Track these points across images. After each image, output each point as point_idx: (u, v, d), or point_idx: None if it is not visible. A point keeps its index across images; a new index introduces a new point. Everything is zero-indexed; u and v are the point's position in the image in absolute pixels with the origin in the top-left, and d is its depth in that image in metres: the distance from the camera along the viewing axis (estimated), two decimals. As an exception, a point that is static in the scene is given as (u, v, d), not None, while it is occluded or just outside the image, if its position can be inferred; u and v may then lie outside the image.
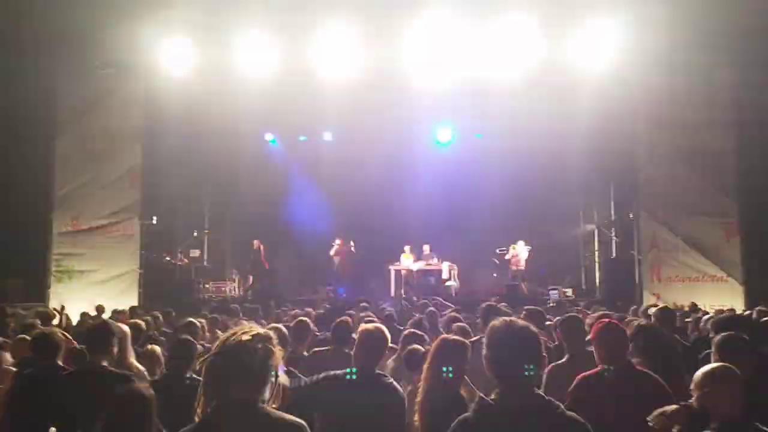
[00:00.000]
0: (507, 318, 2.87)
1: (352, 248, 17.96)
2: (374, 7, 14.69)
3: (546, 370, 4.38)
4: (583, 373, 3.89)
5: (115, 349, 4.59)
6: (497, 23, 14.22)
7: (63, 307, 11.40)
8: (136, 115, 15.24)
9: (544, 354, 2.81)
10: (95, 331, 4.72)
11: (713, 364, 3.38)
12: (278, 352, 2.47)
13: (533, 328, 2.77)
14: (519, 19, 14.06)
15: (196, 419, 2.42)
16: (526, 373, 2.64)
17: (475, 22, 14.80)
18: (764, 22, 13.52)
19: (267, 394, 2.41)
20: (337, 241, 18.13)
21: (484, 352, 2.76)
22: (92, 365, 4.42)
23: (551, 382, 4.26)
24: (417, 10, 14.63)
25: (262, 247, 18.25)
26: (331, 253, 18.11)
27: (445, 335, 4.26)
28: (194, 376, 4.52)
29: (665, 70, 14.43)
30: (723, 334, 4.11)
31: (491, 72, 15.21)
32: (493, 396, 2.67)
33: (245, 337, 2.41)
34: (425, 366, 3.92)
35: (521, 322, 2.83)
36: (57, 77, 15.22)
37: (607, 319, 4.28)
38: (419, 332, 5.85)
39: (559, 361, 4.73)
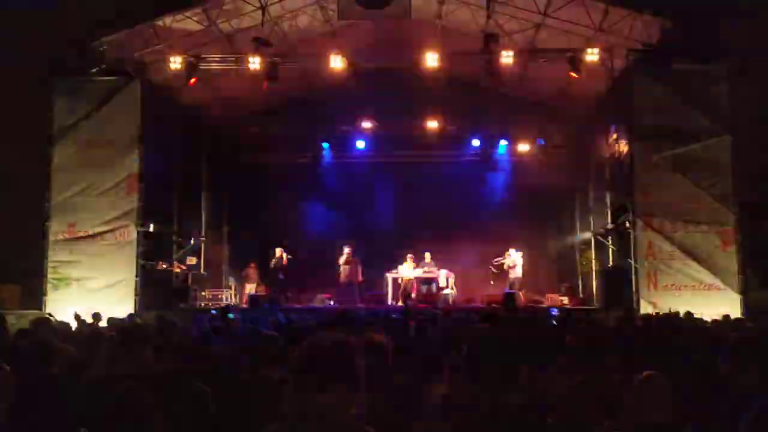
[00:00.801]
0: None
1: (358, 265, 17.98)
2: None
3: None
4: None
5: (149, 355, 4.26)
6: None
7: (77, 315, 11.39)
8: (133, 123, 15.21)
9: None
10: (130, 333, 4.40)
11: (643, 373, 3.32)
12: (360, 360, 2.49)
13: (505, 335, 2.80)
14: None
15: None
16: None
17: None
18: (758, 32, 13.63)
19: (350, 399, 2.42)
20: (347, 250, 18.08)
21: (466, 351, 2.77)
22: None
23: None
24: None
25: (284, 256, 18.23)
26: (341, 261, 18.05)
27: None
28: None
29: (662, 79, 14.51)
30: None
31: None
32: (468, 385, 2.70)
33: (337, 341, 2.45)
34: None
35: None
36: (52, 84, 15.21)
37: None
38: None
39: None
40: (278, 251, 18.36)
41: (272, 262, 18.39)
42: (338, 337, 2.50)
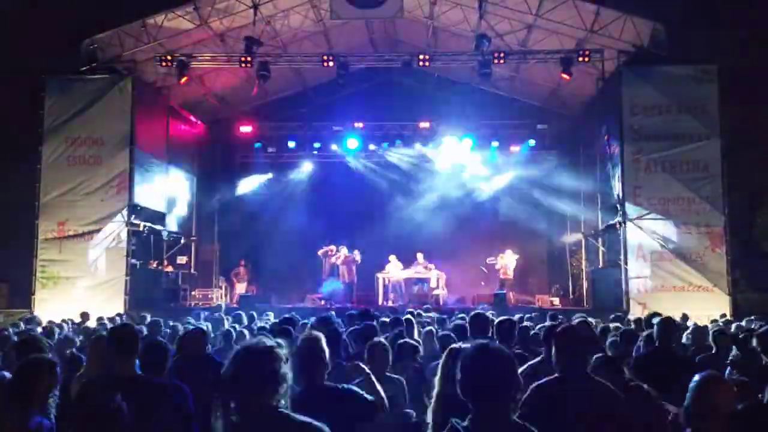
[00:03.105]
0: (480, 342, 2.84)
1: (357, 258, 17.97)
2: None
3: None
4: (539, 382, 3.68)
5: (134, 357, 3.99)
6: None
7: (86, 315, 11.39)
8: (124, 121, 15.15)
9: (520, 378, 2.71)
10: (123, 335, 4.05)
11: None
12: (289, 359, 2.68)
13: (507, 350, 2.73)
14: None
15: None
16: (501, 399, 2.60)
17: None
18: (747, 36, 13.73)
19: (285, 399, 2.60)
20: (343, 250, 18.06)
21: (457, 376, 2.68)
22: (122, 372, 3.82)
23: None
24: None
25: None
26: (339, 262, 18.02)
27: (454, 345, 4.20)
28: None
29: (652, 81, 14.58)
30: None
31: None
32: (466, 422, 2.60)
33: (262, 346, 2.62)
34: (437, 378, 3.84)
35: (494, 345, 2.79)
36: (44, 83, 15.13)
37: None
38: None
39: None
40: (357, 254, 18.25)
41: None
42: (266, 344, 2.64)
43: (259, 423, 2.53)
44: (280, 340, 2.72)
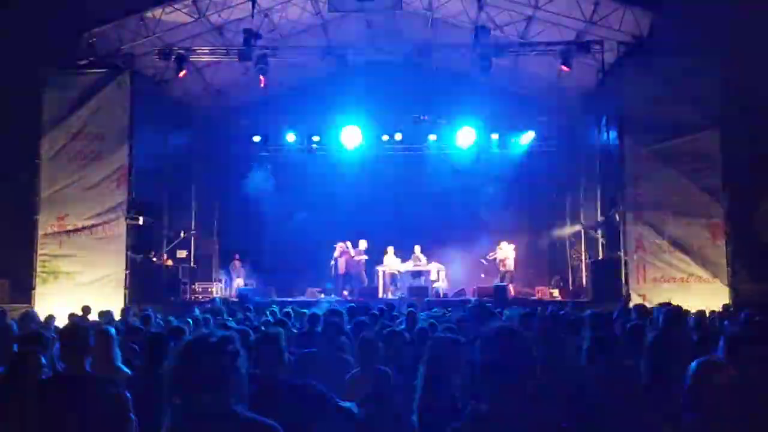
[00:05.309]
0: (501, 325, 2.83)
1: (350, 251, 17.98)
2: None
3: None
4: None
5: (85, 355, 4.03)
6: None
7: (88, 309, 11.36)
8: (123, 115, 15.13)
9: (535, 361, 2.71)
10: (69, 333, 4.21)
11: None
12: (242, 352, 2.43)
13: (526, 334, 2.73)
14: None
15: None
16: (521, 381, 2.60)
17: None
18: (748, 25, 13.67)
19: (237, 396, 2.37)
20: (341, 244, 18.07)
21: (478, 358, 2.69)
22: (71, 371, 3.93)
23: None
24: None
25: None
26: (336, 255, 18.03)
27: (437, 334, 4.20)
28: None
29: (652, 72, 14.54)
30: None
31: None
32: (485, 405, 2.61)
33: (211, 340, 2.39)
34: (422, 366, 3.81)
35: (516, 327, 2.78)
36: (42, 77, 15.09)
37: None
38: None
39: None
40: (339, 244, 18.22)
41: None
42: (215, 338, 2.41)
43: (205, 422, 2.32)
44: (230, 333, 2.50)
